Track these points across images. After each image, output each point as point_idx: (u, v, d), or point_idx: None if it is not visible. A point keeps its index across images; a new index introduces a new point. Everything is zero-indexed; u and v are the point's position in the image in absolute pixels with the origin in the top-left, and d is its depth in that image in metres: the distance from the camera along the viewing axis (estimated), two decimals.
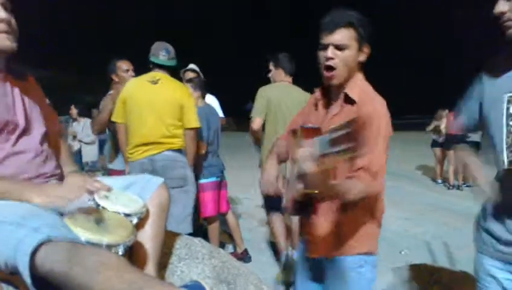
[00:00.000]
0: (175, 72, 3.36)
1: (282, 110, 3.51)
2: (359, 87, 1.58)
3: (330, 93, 1.67)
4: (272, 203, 3.60)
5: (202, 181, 3.76)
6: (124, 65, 3.76)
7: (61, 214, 1.26)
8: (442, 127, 8.00)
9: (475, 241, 1.58)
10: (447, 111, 8.40)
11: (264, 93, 3.59)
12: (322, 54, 1.55)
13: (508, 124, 1.35)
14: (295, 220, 3.67)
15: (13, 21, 1.36)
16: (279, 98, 3.55)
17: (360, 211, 1.61)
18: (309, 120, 1.75)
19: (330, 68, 1.53)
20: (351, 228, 1.63)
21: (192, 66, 4.27)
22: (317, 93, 1.73)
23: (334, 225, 1.63)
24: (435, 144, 8.38)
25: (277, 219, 3.71)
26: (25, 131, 1.42)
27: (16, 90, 1.43)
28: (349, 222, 1.62)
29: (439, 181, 8.43)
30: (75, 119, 6.60)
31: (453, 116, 6.53)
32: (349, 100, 1.57)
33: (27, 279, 1.03)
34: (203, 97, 3.92)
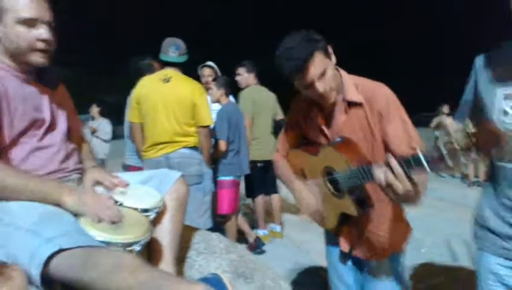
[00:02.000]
0: (191, 68, 3.37)
1: (264, 109, 4.30)
2: (353, 87, 1.57)
3: (323, 106, 1.62)
4: (257, 188, 4.40)
5: (221, 178, 3.80)
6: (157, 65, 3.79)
7: (77, 214, 1.28)
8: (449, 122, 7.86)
9: (475, 238, 1.55)
10: (447, 107, 8.28)
11: (247, 96, 4.22)
12: (309, 92, 1.51)
13: (503, 121, 1.33)
14: (276, 199, 4.54)
15: (53, 39, 1.43)
16: (260, 98, 4.28)
17: (397, 211, 1.67)
18: (309, 134, 1.75)
19: (327, 96, 1.51)
20: (398, 225, 1.68)
21: (209, 62, 4.31)
22: (307, 107, 1.69)
23: (388, 222, 1.65)
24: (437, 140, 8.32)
25: (260, 202, 4.43)
26: (50, 128, 1.47)
27: (45, 91, 1.48)
28: (396, 218, 1.67)
29: (457, 176, 8.35)
30: (93, 118, 6.70)
31: None
32: (352, 104, 1.56)
33: (40, 286, 1.08)
34: (227, 95, 3.94)
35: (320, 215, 1.68)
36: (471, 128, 1.02)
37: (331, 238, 1.84)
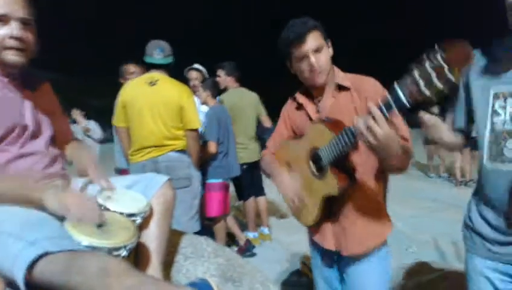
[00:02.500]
0: (178, 71, 3.35)
1: (245, 111, 4.32)
2: (343, 75, 1.66)
3: (312, 94, 1.71)
4: (247, 190, 4.39)
5: (209, 181, 3.77)
6: (130, 68, 3.76)
7: (62, 218, 1.26)
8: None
9: (464, 240, 1.55)
10: (437, 107, 8.43)
11: (225, 101, 4.21)
12: (301, 65, 1.59)
13: (492, 121, 1.33)
14: (262, 201, 4.53)
15: (29, 37, 1.39)
16: (241, 101, 4.31)
17: (379, 192, 1.67)
18: (297, 123, 1.78)
19: (317, 72, 1.57)
20: (379, 215, 1.67)
21: (196, 65, 4.29)
22: (298, 97, 1.76)
23: (369, 211, 1.64)
24: (427, 140, 8.51)
25: (251, 204, 4.43)
26: (33, 134, 1.44)
27: (28, 97, 1.45)
28: (377, 209, 1.66)
29: (444, 176, 8.54)
30: (75, 122, 6.51)
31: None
32: (341, 88, 1.63)
33: None
34: (214, 96, 3.92)
35: (301, 201, 1.67)
36: (442, 53, 1.01)
37: (315, 242, 1.81)
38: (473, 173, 7.78)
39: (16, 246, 1.08)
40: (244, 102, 4.37)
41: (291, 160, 1.78)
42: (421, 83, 1.04)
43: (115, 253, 1.19)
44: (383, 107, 1.17)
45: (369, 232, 1.65)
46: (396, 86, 1.11)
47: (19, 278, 1.04)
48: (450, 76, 1.00)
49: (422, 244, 4.31)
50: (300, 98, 1.75)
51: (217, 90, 4.04)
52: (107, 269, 1.02)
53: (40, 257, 1.04)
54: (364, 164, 1.60)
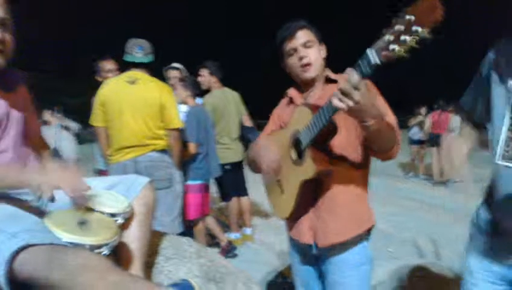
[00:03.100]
0: (157, 70, 3.31)
1: (229, 111, 4.33)
2: (334, 74, 1.68)
3: (304, 88, 1.73)
4: (229, 191, 4.38)
5: (188, 183, 3.74)
6: (107, 65, 3.65)
7: (42, 215, 1.23)
8: (427, 126, 8.16)
9: (469, 241, 1.50)
10: (424, 108, 8.63)
11: (208, 102, 4.22)
12: (292, 59, 1.64)
13: (511, 117, 1.27)
14: (245, 201, 4.52)
15: (7, 37, 1.37)
16: (225, 102, 4.31)
17: (360, 182, 1.65)
18: (285, 119, 1.76)
19: (308, 64, 1.61)
20: (357, 206, 1.64)
21: (175, 64, 4.25)
22: (291, 92, 1.78)
23: (345, 203, 1.61)
24: (411, 141, 8.69)
25: (234, 205, 4.42)
26: (5, 131, 1.41)
27: (1, 94, 1.42)
28: (356, 198, 1.64)
29: (422, 176, 8.71)
30: (46, 123, 6.21)
31: (436, 116, 6.65)
32: (330, 81, 1.66)
33: (4, 287, 1.01)
34: (194, 96, 3.89)
35: (277, 170, 1.63)
36: (409, 10, 1.03)
37: (293, 239, 1.79)
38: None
39: None
40: (228, 102, 4.37)
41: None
42: (391, 40, 1.07)
43: (97, 250, 1.18)
44: (357, 70, 1.18)
45: (347, 222, 1.61)
46: (368, 49, 1.14)
47: (1, 271, 1.01)
48: (416, 28, 1.02)
49: (402, 243, 4.39)
50: (291, 92, 1.78)
51: (198, 90, 4.01)
52: (89, 265, 1.01)
53: (22, 249, 1.01)
54: (344, 149, 1.58)
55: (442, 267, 3.55)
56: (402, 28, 1.04)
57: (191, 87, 3.83)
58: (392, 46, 1.06)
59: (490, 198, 1.39)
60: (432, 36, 1.02)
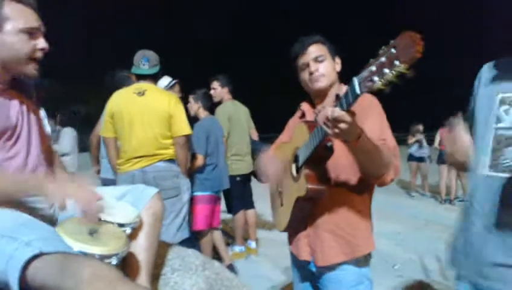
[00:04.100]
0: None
1: (241, 123, 4.41)
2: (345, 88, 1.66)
3: (316, 102, 1.76)
4: (237, 203, 4.39)
5: (197, 194, 3.75)
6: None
7: (54, 224, 1.25)
8: (436, 142, 8.09)
9: (452, 263, 1.45)
10: (421, 126, 8.58)
11: (223, 112, 4.27)
12: (304, 74, 1.68)
13: (496, 127, 1.27)
14: (251, 214, 4.53)
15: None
16: (237, 113, 4.39)
17: (361, 206, 1.64)
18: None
19: (317, 75, 1.64)
20: (357, 227, 1.63)
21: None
22: (303, 105, 1.82)
23: (344, 223, 1.61)
24: (411, 158, 8.61)
25: (241, 218, 4.41)
26: (19, 137, 1.44)
27: (15, 102, 1.46)
28: (355, 220, 1.62)
29: (413, 194, 8.68)
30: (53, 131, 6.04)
31: (444, 132, 6.58)
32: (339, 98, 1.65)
33: None
34: (205, 108, 3.92)
35: (279, 183, 1.68)
36: (394, 43, 1.03)
37: (293, 254, 1.79)
38: (458, 191, 7.90)
39: (10, 246, 1.07)
40: (239, 114, 4.42)
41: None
42: (373, 72, 1.08)
43: (106, 261, 1.18)
44: (343, 99, 1.21)
45: (343, 244, 1.60)
46: (354, 78, 1.16)
47: (14, 279, 1.02)
48: (397, 63, 1.01)
49: (407, 262, 4.34)
50: (304, 106, 1.81)
51: (210, 102, 4.04)
52: (99, 274, 1.02)
53: (35, 257, 1.03)
54: (342, 171, 1.59)
55: (448, 286, 3.51)
56: (384, 60, 1.05)
57: (202, 99, 3.87)
58: (374, 78, 1.07)
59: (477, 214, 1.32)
60: (411, 73, 1.01)
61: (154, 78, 3.08)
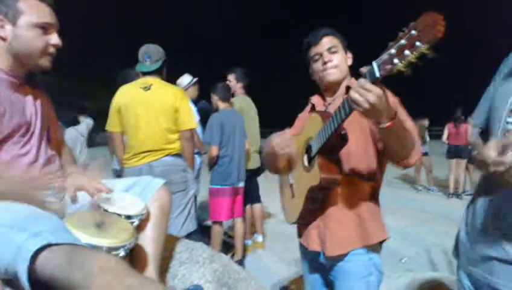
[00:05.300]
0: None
1: (252, 119, 4.39)
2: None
3: (326, 95, 1.75)
4: (245, 197, 4.23)
5: (214, 186, 3.81)
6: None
7: (62, 217, 1.26)
8: (444, 137, 8.02)
9: (455, 255, 1.48)
10: (427, 121, 8.50)
11: (236, 105, 4.20)
12: (317, 64, 1.67)
13: (503, 130, 1.26)
14: (258, 208, 4.52)
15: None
16: (249, 108, 4.39)
17: (371, 195, 1.64)
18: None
19: (331, 67, 1.63)
20: (366, 217, 1.62)
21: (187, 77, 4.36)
22: (313, 98, 1.82)
23: (353, 214, 1.60)
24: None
25: (248, 212, 4.44)
26: (33, 134, 1.46)
27: (30, 98, 1.49)
28: (365, 209, 1.62)
29: (419, 188, 8.61)
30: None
31: (452, 126, 6.50)
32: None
33: (25, 285, 1.02)
34: (224, 100, 3.93)
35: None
36: (414, 24, 1.03)
37: (302, 245, 1.79)
38: (466, 185, 7.85)
39: (19, 238, 1.07)
40: (251, 110, 4.42)
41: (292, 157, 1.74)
42: (393, 54, 1.07)
43: (114, 253, 1.19)
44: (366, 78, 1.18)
45: (354, 234, 1.59)
46: (373, 62, 1.14)
47: (23, 269, 1.02)
48: (417, 43, 1.02)
49: (414, 256, 4.33)
50: (314, 99, 1.81)
51: (227, 94, 4.02)
52: (107, 266, 1.02)
53: (44, 248, 1.03)
54: (355, 161, 1.58)
55: (455, 279, 3.49)
56: (405, 42, 1.05)
57: (220, 92, 3.90)
58: (394, 60, 1.07)
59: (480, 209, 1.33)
60: (432, 53, 1.01)
61: (159, 72, 3.07)
